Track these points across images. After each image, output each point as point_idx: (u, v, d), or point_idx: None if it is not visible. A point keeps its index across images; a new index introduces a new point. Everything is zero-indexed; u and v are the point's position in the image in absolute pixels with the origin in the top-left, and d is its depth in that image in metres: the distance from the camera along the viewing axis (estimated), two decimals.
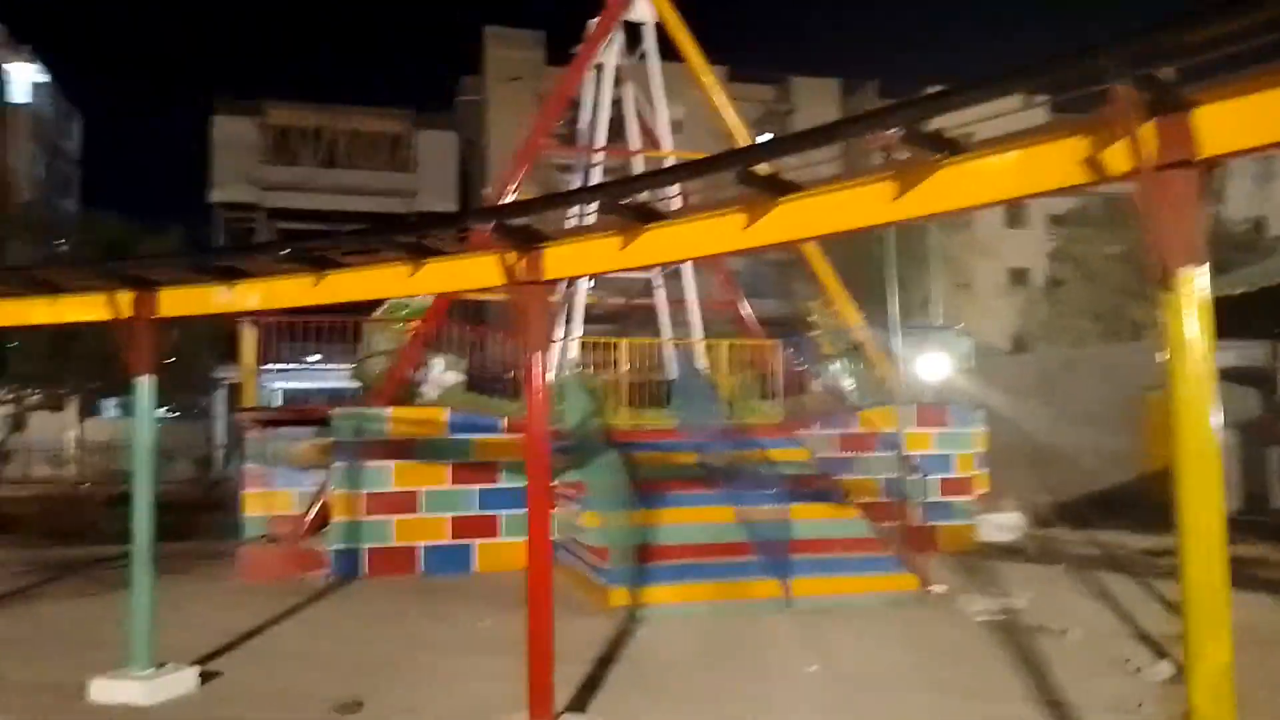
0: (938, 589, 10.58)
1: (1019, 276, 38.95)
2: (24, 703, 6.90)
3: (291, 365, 17.67)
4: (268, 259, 7.07)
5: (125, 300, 7.06)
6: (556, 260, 6.06)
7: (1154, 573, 11.31)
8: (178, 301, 7.17)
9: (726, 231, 5.30)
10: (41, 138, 41.31)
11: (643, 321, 18.62)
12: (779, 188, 4.96)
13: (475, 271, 6.51)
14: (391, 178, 36.80)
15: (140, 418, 7.26)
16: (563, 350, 15.51)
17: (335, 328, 15.27)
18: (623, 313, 20.02)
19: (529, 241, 6.04)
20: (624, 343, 14.79)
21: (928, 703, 6.64)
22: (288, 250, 6.69)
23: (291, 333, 14.78)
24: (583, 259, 6.09)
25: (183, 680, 7.07)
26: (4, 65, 39.16)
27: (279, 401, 15.07)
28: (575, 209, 12.28)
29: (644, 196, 5.63)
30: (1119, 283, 30.11)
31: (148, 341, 7.09)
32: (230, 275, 7.19)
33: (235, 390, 23.04)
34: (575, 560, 11.19)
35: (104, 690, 6.83)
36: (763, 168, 5.01)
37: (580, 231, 6.25)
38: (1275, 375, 16.51)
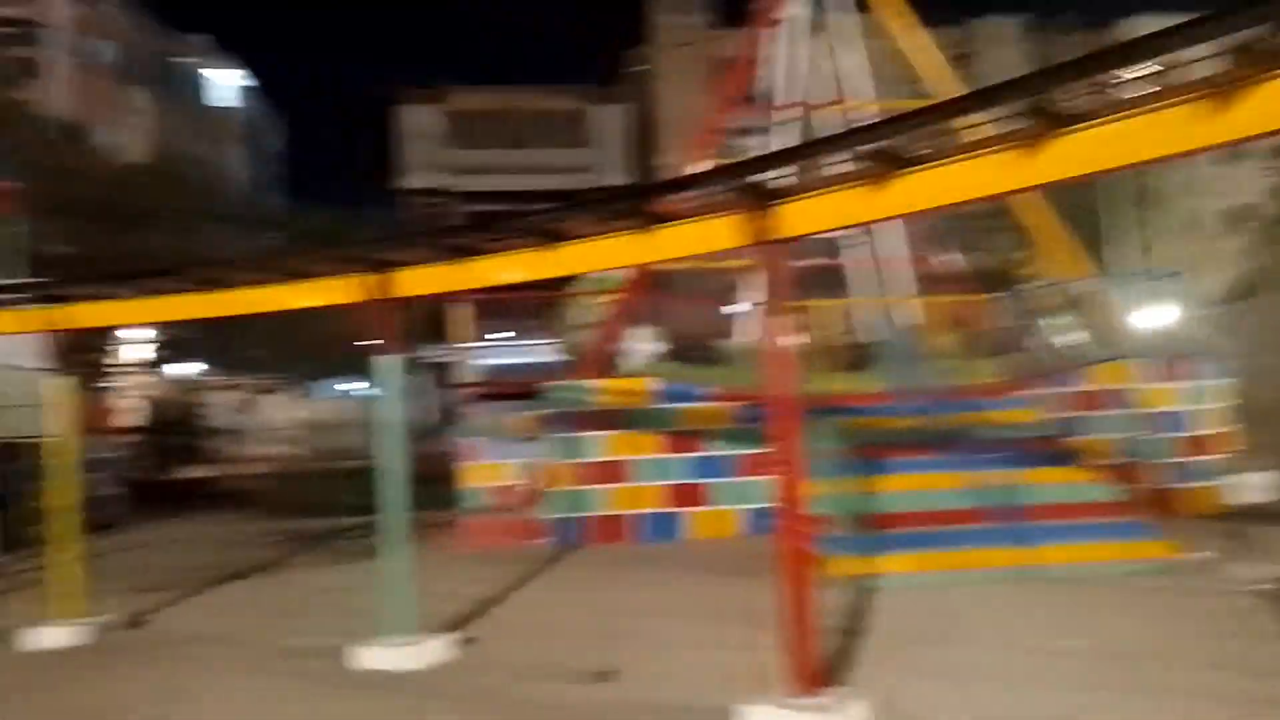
0: (1198, 555, 9.73)
1: (1237, 216, 35.53)
2: (289, 667, 7.30)
3: (491, 342, 18.23)
4: (500, 235, 7.12)
5: (371, 283, 7.29)
6: (798, 216, 5.79)
7: None
8: (419, 281, 7.36)
9: (994, 172, 4.90)
10: (248, 138, 44.36)
11: (821, 284, 18.04)
12: (1058, 120, 4.53)
13: (710, 235, 6.31)
14: (570, 154, 37.35)
15: (390, 396, 7.53)
16: (755, 315, 15.24)
17: (528, 304, 15.57)
18: (802, 275, 19.44)
19: (766, 199, 5.81)
20: (817, 305, 14.37)
21: (1202, 680, 6.05)
22: (523, 225, 6.72)
23: (492, 310, 15.17)
24: (827, 213, 5.80)
25: (441, 648, 7.29)
26: (211, 72, 42.18)
27: (481, 378, 15.59)
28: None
29: (894, 142, 5.28)
30: None
31: (393, 322, 7.33)
32: (459, 254, 7.33)
33: (434, 368, 24.02)
34: None
35: (367, 656, 7.13)
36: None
37: (823, 184, 5.95)
38: None
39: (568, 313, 14.42)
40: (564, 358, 14.52)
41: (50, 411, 8.99)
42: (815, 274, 18.59)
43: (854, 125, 7.60)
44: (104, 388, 22.35)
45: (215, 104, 42.58)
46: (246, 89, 44.64)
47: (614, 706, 5.98)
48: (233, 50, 42.98)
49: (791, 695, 5.47)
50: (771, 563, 5.94)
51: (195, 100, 41.75)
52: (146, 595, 9.96)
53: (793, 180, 5.96)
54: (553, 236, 6.82)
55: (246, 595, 10.46)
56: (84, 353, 8.92)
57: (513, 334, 17.67)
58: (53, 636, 8.23)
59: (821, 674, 5.84)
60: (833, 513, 10.12)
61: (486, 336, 19.11)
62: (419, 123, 36.56)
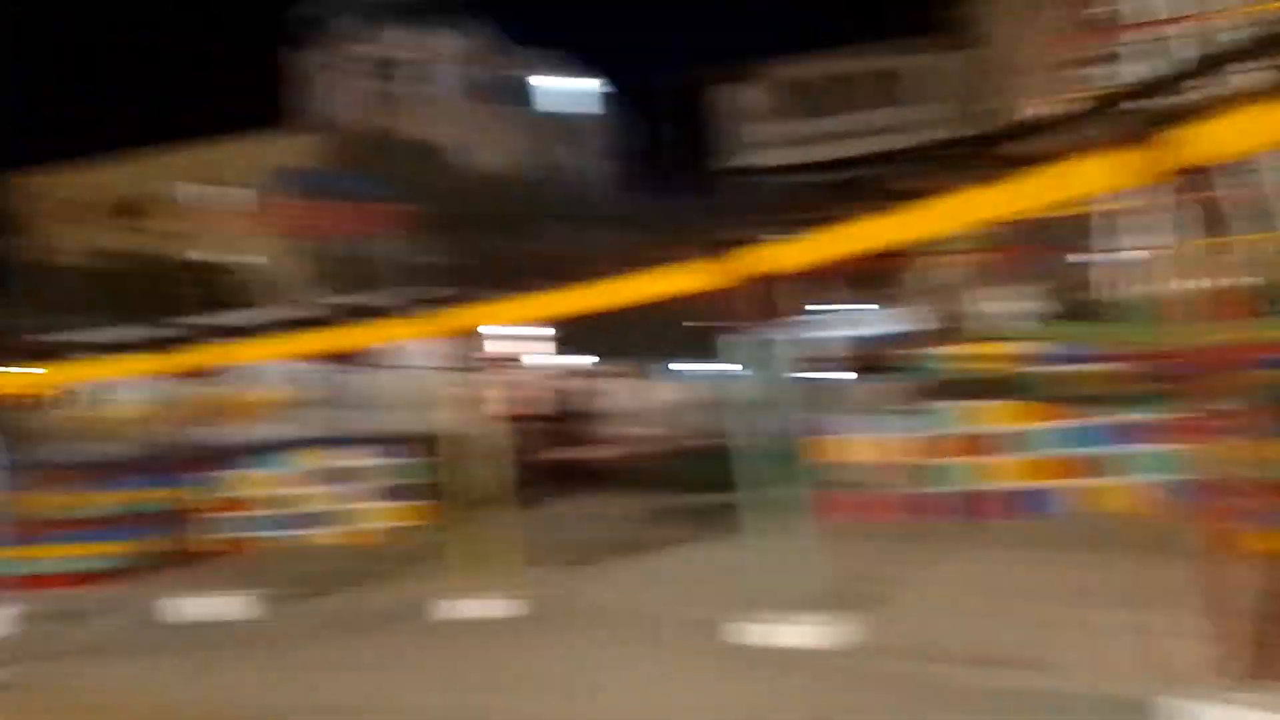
0: None
1: None
2: (690, 643, 7.48)
3: (845, 312, 17.87)
4: (857, 201, 6.90)
5: (732, 264, 7.37)
6: (1212, 140, 5.01)
7: None
8: (780, 257, 7.34)
9: None
10: (600, 139, 47.87)
11: (1227, 218, 15.64)
12: None
13: (1095, 174, 5.66)
14: (894, 113, 35.88)
15: (757, 374, 7.57)
16: (1149, 262, 13.63)
17: (882, 271, 15.02)
18: (1204, 210, 17.07)
19: (1167, 125, 5.08)
20: (1227, 243, 12.44)
21: None
22: (879, 188, 6.47)
23: (845, 280, 14.85)
24: (1241, 132, 4.97)
25: (831, 626, 7.16)
26: (563, 82, 45.90)
27: (822, 350, 15.24)
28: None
29: None
30: None
31: (758, 301, 7.38)
32: (817, 225, 7.19)
33: (790, 344, 24.11)
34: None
35: (757, 632, 7.18)
36: None
37: (1232, 102, 5.10)
38: None
39: (926, 277, 13.77)
40: (926, 325, 13.87)
41: (465, 405, 10.00)
42: (1218, 207, 16.32)
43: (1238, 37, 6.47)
44: (504, 381, 24.80)
45: (569, 111, 46.34)
46: (594, 94, 48.08)
47: (1027, 696, 5.54)
48: (580, 59, 46.46)
49: (1244, 689, 4.75)
50: (1183, 539, 5.25)
51: (552, 110, 45.66)
52: (555, 570, 10.75)
53: (1196, 101, 5.20)
54: (911, 195, 6.48)
55: (641, 569, 10.87)
56: (480, 351, 9.87)
57: (868, 304, 17.24)
58: (476, 608, 9.09)
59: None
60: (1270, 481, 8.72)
61: (838, 308, 18.77)
62: (742, 100, 37.01)
